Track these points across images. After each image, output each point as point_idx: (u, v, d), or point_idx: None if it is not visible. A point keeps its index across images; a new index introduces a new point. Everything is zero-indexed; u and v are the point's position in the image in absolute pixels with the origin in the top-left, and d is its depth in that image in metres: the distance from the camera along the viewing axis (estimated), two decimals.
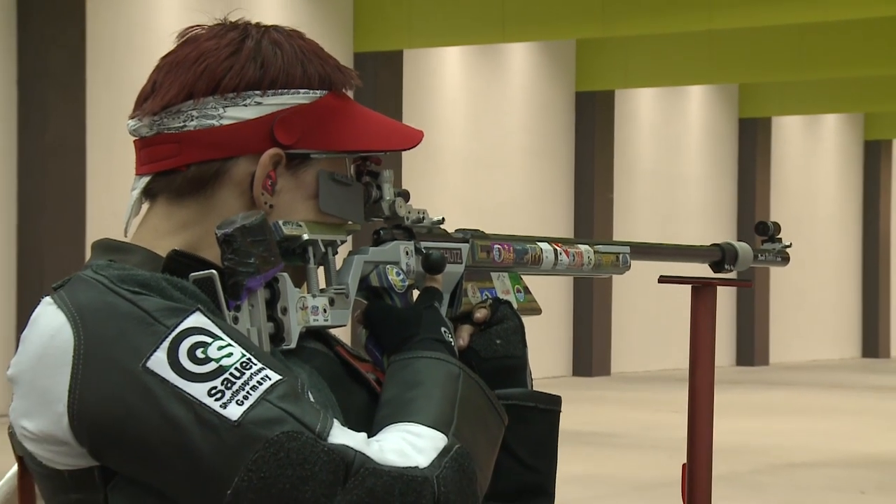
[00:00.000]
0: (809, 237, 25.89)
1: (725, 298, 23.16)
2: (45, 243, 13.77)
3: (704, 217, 23.88)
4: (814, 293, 26.65)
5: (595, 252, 2.05)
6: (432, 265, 1.79)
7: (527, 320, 1.87)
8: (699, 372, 2.25)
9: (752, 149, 24.50)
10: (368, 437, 1.56)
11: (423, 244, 1.83)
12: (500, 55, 19.73)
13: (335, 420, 1.54)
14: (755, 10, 15.41)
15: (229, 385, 1.52)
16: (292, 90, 1.69)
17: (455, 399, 1.62)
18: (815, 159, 26.77)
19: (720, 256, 2.31)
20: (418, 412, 1.59)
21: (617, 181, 21.64)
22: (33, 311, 1.60)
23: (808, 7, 15.11)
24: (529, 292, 1.95)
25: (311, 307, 1.67)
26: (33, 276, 13.78)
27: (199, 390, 1.51)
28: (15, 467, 1.75)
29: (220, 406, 1.51)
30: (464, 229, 1.90)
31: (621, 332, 21.84)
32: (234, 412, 1.50)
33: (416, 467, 1.53)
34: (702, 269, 2.25)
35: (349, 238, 1.77)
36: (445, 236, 1.87)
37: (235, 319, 1.60)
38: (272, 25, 1.73)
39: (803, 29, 18.71)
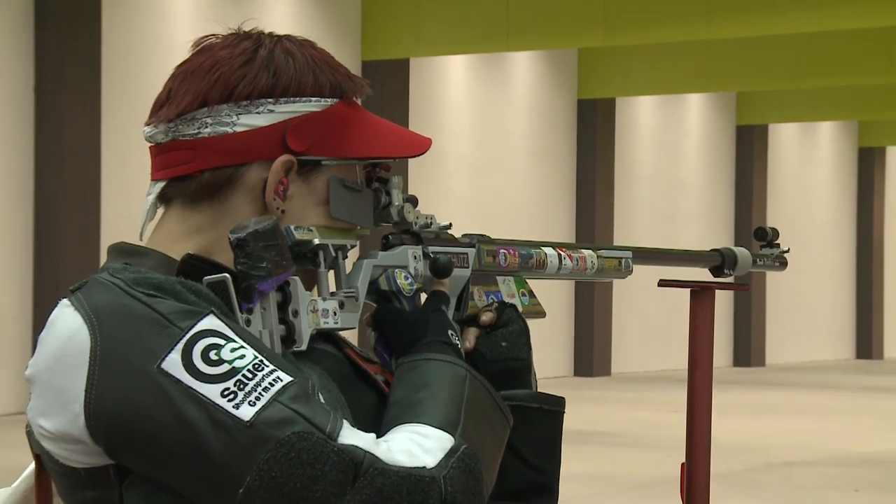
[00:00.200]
0: (805, 241, 25.87)
1: (723, 301, 23.15)
2: (61, 245, 13.78)
3: (703, 221, 23.88)
4: (809, 296, 26.63)
5: (598, 257, 2.04)
6: (440, 269, 1.79)
7: (529, 322, 1.87)
8: (698, 372, 2.25)
9: (749, 155, 24.49)
10: (377, 437, 1.55)
11: (431, 249, 1.82)
12: (505, 63, 19.74)
13: (345, 421, 1.54)
14: (752, 20, 15.42)
15: (242, 386, 1.51)
16: (304, 98, 1.69)
17: (462, 400, 1.61)
18: (810, 165, 26.76)
19: (720, 261, 2.31)
20: (426, 413, 1.59)
21: (617, 186, 21.65)
22: (48, 311, 1.60)
23: (804, 18, 15.11)
24: (534, 296, 1.94)
25: (321, 310, 1.67)
26: (49, 277, 13.79)
27: (212, 391, 1.51)
28: (32, 465, 1.75)
29: (233, 407, 1.50)
30: (470, 234, 1.90)
31: (621, 333, 21.83)
32: (246, 413, 1.50)
33: (424, 467, 1.53)
34: (701, 273, 2.24)
35: (358, 243, 1.77)
36: (452, 241, 1.86)
37: (248, 322, 1.59)
38: (285, 35, 1.73)
39: (799, 39, 18.71)
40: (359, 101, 1.75)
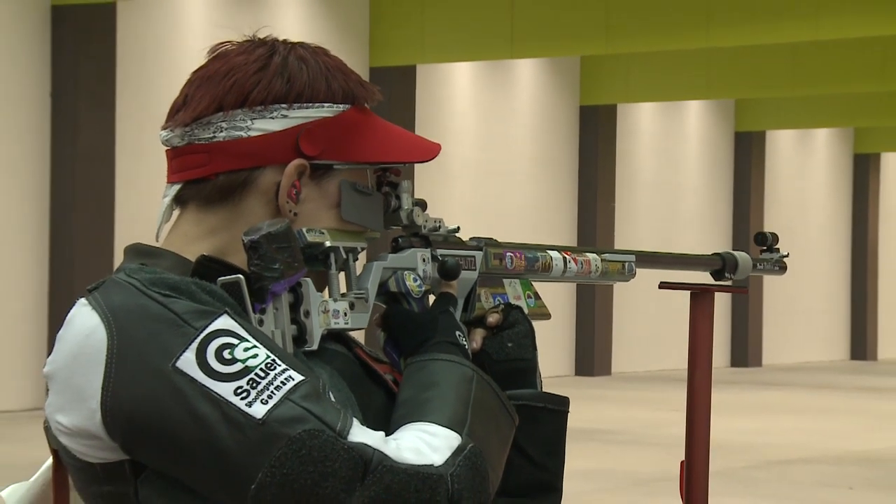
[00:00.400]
0: (801, 245, 25.86)
1: (721, 303, 23.15)
2: (76, 247, 13.79)
3: (701, 225, 23.87)
4: (805, 298, 26.61)
5: (602, 260, 2.04)
6: (448, 272, 1.78)
7: (533, 323, 1.87)
8: (697, 373, 2.25)
9: (747, 161, 24.49)
10: (386, 435, 1.55)
11: (439, 252, 1.82)
12: (509, 70, 19.74)
13: (355, 419, 1.54)
14: (751, 29, 15.42)
15: (254, 385, 1.51)
16: (317, 104, 1.69)
17: (469, 400, 1.61)
18: (807, 171, 26.75)
19: (721, 265, 2.30)
20: (434, 412, 1.58)
21: (619, 190, 21.65)
22: (64, 311, 1.60)
23: (801, 27, 15.11)
24: (539, 298, 1.94)
25: (332, 311, 1.67)
26: (64, 278, 13.81)
27: (225, 389, 1.51)
28: (50, 460, 1.75)
29: (246, 405, 1.50)
30: (478, 238, 1.90)
31: (622, 333, 21.83)
32: (258, 411, 1.50)
33: (432, 465, 1.53)
34: (700, 276, 2.24)
35: (368, 245, 1.77)
36: (460, 244, 1.86)
37: (261, 322, 1.60)
38: (298, 42, 1.73)
39: (796, 47, 18.71)
40: (370, 107, 1.75)
